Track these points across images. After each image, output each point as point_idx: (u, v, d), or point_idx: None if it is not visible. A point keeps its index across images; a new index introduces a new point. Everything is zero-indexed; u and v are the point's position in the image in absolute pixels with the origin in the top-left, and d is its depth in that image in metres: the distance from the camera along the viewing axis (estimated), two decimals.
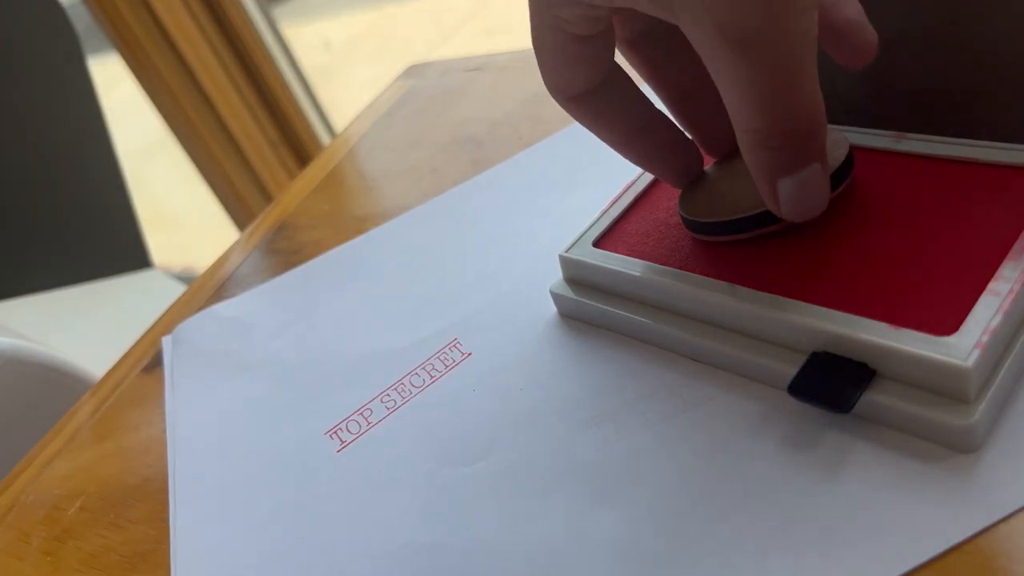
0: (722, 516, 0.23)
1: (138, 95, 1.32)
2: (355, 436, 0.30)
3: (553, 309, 0.32)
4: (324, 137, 1.41)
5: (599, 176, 0.39)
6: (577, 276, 0.31)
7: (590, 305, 0.30)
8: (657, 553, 0.23)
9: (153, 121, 1.36)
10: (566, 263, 0.31)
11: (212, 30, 1.26)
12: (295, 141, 1.37)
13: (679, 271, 0.28)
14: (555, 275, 0.32)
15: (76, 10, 1.07)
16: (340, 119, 1.45)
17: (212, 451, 0.33)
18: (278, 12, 1.50)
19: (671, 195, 0.32)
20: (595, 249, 0.30)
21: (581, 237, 0.31)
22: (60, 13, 0.87)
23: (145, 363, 0.41)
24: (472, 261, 0.37)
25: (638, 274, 0.29)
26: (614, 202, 0.32)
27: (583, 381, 0.29)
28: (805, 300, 0.25)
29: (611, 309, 0.30)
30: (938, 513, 0.21)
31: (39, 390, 0.55)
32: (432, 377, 0.32)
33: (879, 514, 0.21)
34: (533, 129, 0.46)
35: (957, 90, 0.28)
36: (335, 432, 0.31)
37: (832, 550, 0.21)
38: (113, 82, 1.63)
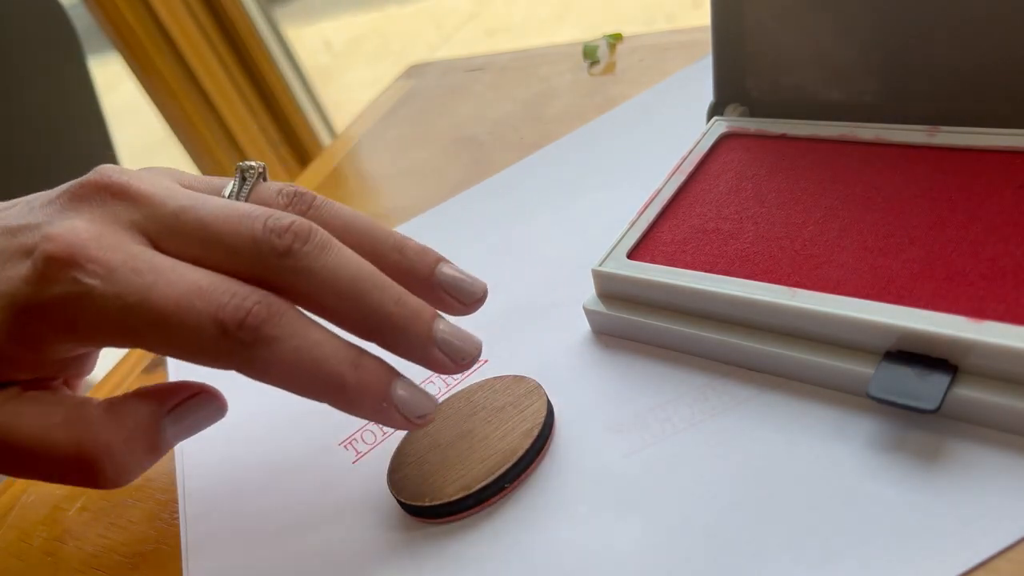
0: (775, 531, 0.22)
1: (139, 95, 1.32)
2: (371, 447, 0.30)
3: (575, 320, 0.31)
4: (325, 137, 1.41)
5: (601, 184, 0.38)
6: (613, 290, 0.29)
7: (632, 320, 0.28)
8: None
9: (154, 121, 1.36)
10: (600, 277, 0.29)
11: (213, 30, 1.26)
12: (296, 142, 1.37)
13: (731, 278, 0.26)
14: (567, 283, 0.30)
15: (76, 10, 1.07)
16: (341, 119, 1.45)
17: (222, 461, 0.32)
18: (279, 13, 1.50)
19: (704, 201, 0.30)
20: (631, 261, 0.29)
21: (613, 249, 0.29)
22: (60, 13, 0.87)
23: (146, 363, 0.41)
24: (485, 268, 0.37)
25: (688, 284, 0.27)
26: (642, 211, 0.31)
27: (616, 391, 0.28)
28: (870, 298, 0.24)
29: (658, 323, 0.28)
30: None
31: None
32: (448, 385, 0.31)
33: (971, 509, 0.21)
34: (533, 129, 0.46)
35: (988, 79, 0.28)
36: (350, 443, 0.30)
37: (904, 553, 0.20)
38: (114, 82, 1.63)
